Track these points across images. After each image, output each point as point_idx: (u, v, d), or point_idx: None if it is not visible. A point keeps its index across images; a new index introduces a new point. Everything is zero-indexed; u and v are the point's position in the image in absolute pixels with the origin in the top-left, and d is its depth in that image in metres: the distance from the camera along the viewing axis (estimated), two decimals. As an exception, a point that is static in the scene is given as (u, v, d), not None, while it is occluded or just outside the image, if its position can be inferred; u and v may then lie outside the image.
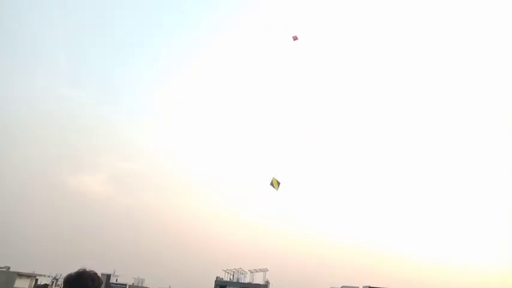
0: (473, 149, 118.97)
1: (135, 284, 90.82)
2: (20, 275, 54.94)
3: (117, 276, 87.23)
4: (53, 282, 63.85)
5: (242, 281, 63.96)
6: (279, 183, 16.24)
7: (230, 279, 64.05)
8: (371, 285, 56.40)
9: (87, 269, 2.72)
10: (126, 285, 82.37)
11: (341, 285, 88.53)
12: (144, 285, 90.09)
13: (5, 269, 58.81)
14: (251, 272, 65.21)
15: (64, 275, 2.41)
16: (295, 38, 21.85)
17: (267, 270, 65.39)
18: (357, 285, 78.96)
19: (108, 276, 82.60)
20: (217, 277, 63.95)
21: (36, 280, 58.96)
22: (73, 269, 2.77)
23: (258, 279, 64.82)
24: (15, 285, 44.82)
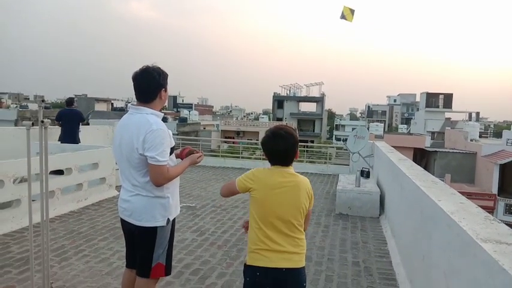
0: None
1: (200, 103, 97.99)
2: (98, 100, 61.24)
3: (182, 97, 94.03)
4: (126, 105, 70.47)
5: (298, 95, 66.29)
6: (352, 12, 14.44)
7: (287, 93, 66.50)
8: (428, 91, 56.26)
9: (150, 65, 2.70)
10: (192, 104, 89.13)
11: (398, 93, 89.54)
12: (208, 104, 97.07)
13: (83, 96, 65.48)
14: (307, 86, 66.81)
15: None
16: None
17: (323, 84, 66.65)
18: (413, 92, 79.07)
19: (175, 98, 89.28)
20: (274, 93, 66.58)
21: (112, 104, 65.43)
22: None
23: (314, 93, 66.76)
24: (95, 109, 50.35)
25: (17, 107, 58.06)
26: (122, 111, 55.28)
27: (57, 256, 4.44)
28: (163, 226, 2.64)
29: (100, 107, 56.76)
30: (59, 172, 6.56)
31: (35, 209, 3.10)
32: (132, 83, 2.67)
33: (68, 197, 6.44)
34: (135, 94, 2.68)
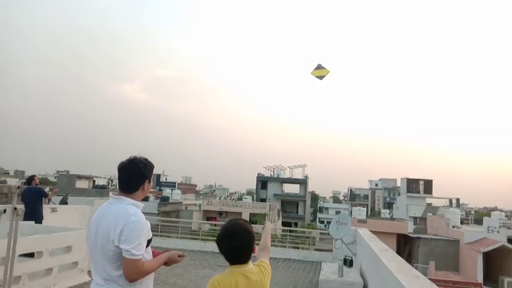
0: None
1: (183, 182, 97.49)
2: (80, 177, 60.41)
3: (166, 175, 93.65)
4: (108, 182, 69.61)
5: (282, 177, 66.83)
6: (321, 76, 14.82)
7: (271, 175, 67.02)
8: (409, 177, 57.41)
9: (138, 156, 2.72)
10: (175, 183, 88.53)
11: (379, 178, 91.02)
12: (192, 183, 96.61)
13: (65, 173, 64.73)
14: (290, 168, 67.70)
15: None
16: None
17: (306, 166, 67.67)
18: (394, 177, 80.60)
19: (158, 176, 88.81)
20: (258, 173, 67.06)
21: (94, 181, 64.56)
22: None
23: (297, 175, 67.47)
24: (76, 186, 49.54)
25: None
26: (104, 188, 54.42)
27: None
28: None
29: (81, 184, 55.84)
30: (30, 254, 6.25)
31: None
32: (118, 173, 2.68)
33: (35, 284, 6.05)
34: (119, 184, 2.68)
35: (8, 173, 79.29)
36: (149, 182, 2.71)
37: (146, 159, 2.70)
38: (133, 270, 2.42)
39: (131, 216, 2.47)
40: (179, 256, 2.77)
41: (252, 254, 2.25)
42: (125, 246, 2.41)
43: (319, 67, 14.94)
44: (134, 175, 2.64)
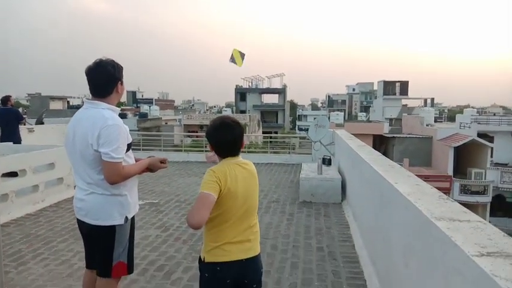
0: None
1: (161, 98, 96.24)
2: (53, 98, 58.71)
3: (142, 92, 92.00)
4: (83, 102, 68.05)
5: (260, 87, 66.45)
6: (242, 56, 14.22)
7: (249, 86, 66.48)
8: (385, 79, 57.95)
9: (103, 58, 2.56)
10: (152, 99, 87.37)
11: (356, 82, 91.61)
12: (169, 98, 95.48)
13: (37, 95, 62.67)
14: (268, 78, 67.03)
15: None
16: None
17: (284, 75, 67.03)
18: (371, 81, 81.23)
19: (134, 93, 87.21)
20: (236, 85, 66.36)
21: (68, 102, 63.03)
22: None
23: (276, 84, 67.11)
24: (50, 108, 48.29)
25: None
26: (79, 108, 53.21)
27: (13, 261, 4.24)
28: (121, 224, 2.57)
29: (55, 105, 54.46)
30: (13, 174, 6.26)
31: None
32: (86, 78, 2.57)
33: (23, 200, 6.15)
34: (90, 89, 2.59)
35: (-23, 99, 76.54)
36: (121, 83, 2.63)
37: (113, 61, 2.58)
38: (113, 173, 2.43)
39: (108, 120, 2.43)
40: (161, 162, 2.80)
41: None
42: (103, 149, 2.40)
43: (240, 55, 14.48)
44: (104, 78, 2.55)
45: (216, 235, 2.15)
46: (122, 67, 2.63)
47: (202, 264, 2.19)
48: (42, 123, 12.75)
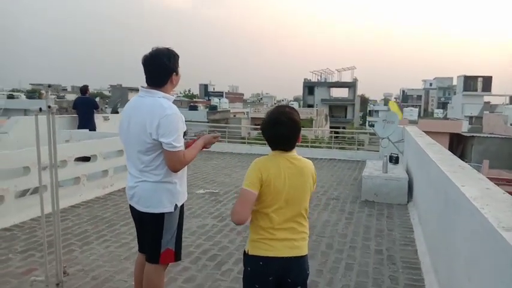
0: None
1: (231, 91, 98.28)
2: (131, 89, 62.54)
3: (213, 85, 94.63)
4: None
5: (330, 81, 65.18)
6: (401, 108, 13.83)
7: (318, 79, 65.53)
8: (466, 74, 53.92)
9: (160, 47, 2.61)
10: (222, 92, 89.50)
11: (434, 77, 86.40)
12: (239, 92, 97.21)
13: (118, 86, 67.28)
14: (338, 71, 65.58)
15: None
16: None
17: (355, 68, 65.24)
18: (450, 76, 76.15)
19: (206, 86, 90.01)
20: (305, 79, 65.76)
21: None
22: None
23: (346, 78, 65.47)
24: (128, 98, 51.40)
25: (54, 97, 60.13)
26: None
27: (79, 240, 4.52)
28: (170, 212, 2.60)
29: (133, 96, 57.78)
30: (86, 159, 6.70)
31: (61, 195, 3.13)
32: (143, 68, 2.61)
33: (93, 183, 6.56)
34: (146, 78, 2.62)
35: (66, 89, 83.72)
36: (176, 74, 2.63)
37: (169, 50, 2.58)
38: (176, 162, 2.49)
39: (166, 110, 2.45)
40: (213, 138, 2.80)
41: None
42: (165, 139, 2.43)
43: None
44: (160, 70, 2.57)
45: (260, 228, 2.09)
46: (178, 56, 2.63)
47: (246, 257, 2.15)
48: (117, 112, 13.56)
